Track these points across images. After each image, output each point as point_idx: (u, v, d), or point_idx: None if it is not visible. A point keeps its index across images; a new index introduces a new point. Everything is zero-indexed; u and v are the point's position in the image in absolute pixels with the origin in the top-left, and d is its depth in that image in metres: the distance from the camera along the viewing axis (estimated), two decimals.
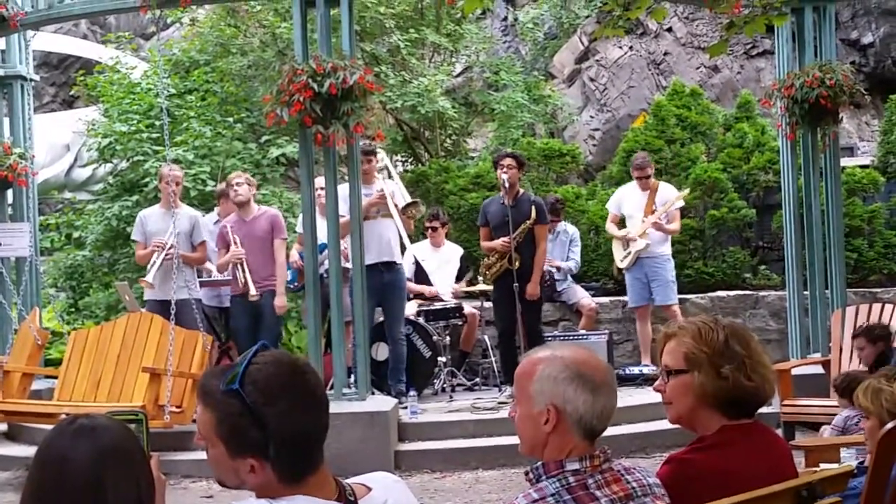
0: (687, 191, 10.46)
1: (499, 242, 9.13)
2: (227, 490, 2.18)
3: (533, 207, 9.17)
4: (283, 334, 10.08)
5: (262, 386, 2.04)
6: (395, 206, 9.08)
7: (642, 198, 10.01)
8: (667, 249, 10.04)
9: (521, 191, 9.43)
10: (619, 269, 10.30)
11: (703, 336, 2.73)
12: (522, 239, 9.09)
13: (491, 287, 9.55)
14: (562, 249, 10.65)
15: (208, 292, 9.55)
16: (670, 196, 10.02)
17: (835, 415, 6.12)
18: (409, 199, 9.30)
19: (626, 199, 10.18)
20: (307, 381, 2.10)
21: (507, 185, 9.09)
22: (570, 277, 10.76)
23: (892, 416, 3.41)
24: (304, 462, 2.08)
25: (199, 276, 9.37)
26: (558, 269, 10.56)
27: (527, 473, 2.46)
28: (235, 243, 8.91)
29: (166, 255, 8.67)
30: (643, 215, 9.92)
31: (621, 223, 10.24)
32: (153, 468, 2.10)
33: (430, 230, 10.49)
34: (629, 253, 9.95)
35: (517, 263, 8.97)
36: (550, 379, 2.44)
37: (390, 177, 9.65)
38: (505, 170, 9.14)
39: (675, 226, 10.09)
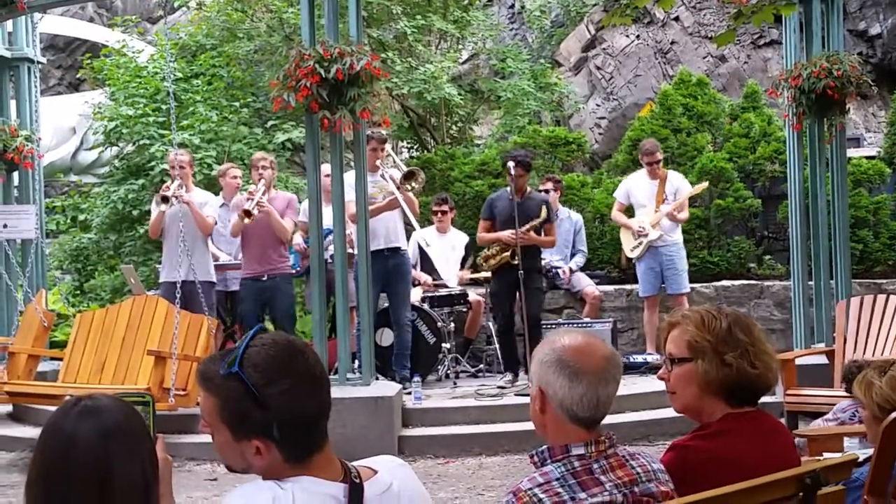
0: (705, 184, 10.42)
1: (507, 234, 9.05)
2: (231, 472, 2.20)
3: (544, 206, 9.18)
4: (296, 317, 10.08)
5: (263, 367, 2.05)
6: (397, 186, 9.05)
7: (652, 187, 9.95)
8: (678, 237, 10.00)
9: (529, 189, 9.44)
10: (629, 259, 10.27)
11: (706, 324, 2.74)
12: (528, 239, 9.03)
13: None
14: (565, 237, 10.62)
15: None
16: (680, 184, 9.98)
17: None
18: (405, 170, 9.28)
19: (636, 188, 10.11)
20: (306, 361, 2.11)
21: (515, 186, 9.08)
22: (575, 265, 10.76)
23: (883, 410, 3.41)
24: (309, 441, 2.10)
25: None
26: (571, 270, 10.56)
27: (532, 456, 2.48)
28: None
29: (174, 194, 8.76)
30: (655, 205, 9.90)
31: (627, 212, 10.21)
32: (159, 450, 2.11)
33: (438, 214, 10.48)
34: (640, 243, 9.91)
35: (517, 260, 8.92)
36: (539, 362, 2.50)
37: (395, 165, 9.64)
38: (512, 171, 9.05)
39: (686, 214, 10.08)
